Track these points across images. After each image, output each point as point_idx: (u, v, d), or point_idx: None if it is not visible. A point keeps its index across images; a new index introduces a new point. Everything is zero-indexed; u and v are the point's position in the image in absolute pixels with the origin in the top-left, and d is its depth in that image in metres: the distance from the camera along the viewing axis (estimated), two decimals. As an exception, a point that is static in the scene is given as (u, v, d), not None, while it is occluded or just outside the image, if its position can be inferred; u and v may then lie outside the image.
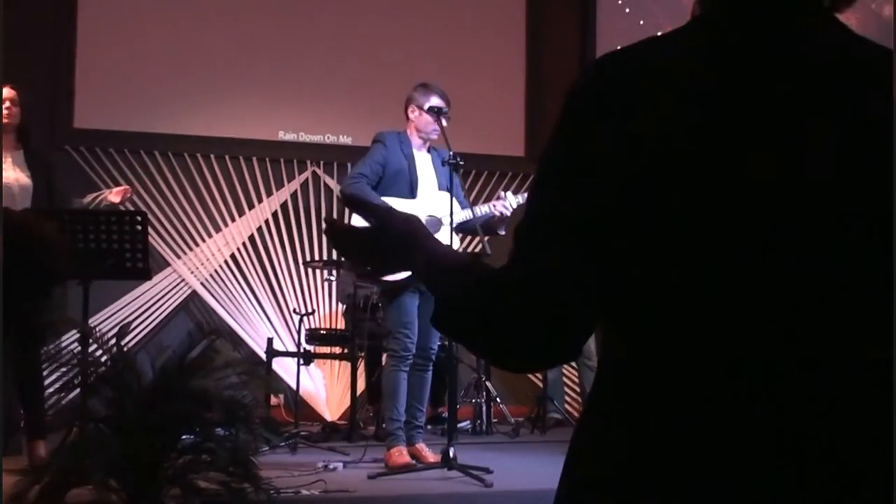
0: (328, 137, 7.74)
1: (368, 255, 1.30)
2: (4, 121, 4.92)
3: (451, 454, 4.58)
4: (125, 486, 3.32)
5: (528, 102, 8.20)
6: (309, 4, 7.79)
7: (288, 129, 7.66)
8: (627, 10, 8.49)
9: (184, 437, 3.49)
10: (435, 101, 5.13)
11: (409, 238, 1.22)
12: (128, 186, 5.65)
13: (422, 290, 5.03)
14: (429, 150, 5.21)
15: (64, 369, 3.95)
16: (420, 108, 5.12)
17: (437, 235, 4.96)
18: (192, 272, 7.33)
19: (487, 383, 6.80)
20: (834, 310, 0.97)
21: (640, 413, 1.01)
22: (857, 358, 0.98)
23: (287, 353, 6.63)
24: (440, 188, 5.11)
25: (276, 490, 3.73)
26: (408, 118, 5.20)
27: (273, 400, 6.79)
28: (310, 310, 7.20)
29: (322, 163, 7.72)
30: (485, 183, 7.93)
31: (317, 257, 7.43)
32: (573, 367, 7.54)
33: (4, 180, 4.81)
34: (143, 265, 4.73)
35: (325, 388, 7.44)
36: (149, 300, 7.17)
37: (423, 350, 5.08)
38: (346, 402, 6.91)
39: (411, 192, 5.06)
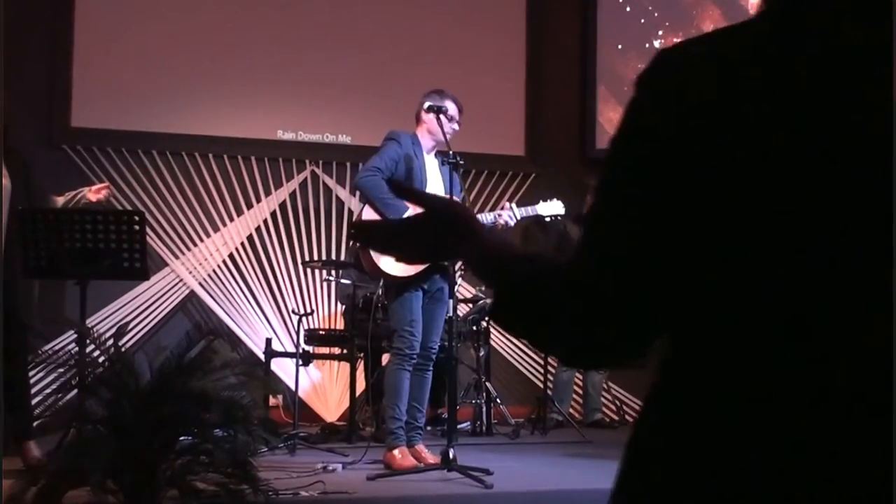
0: (327, 137, 7.72)
1: (413, 243, 1.24)
2: None
3: (451, 455, 4.56)
4: (123, 487, 3.31)
5: (528, 102, 8.19)
6: (308, 3, 7.77)
7: (287, 128, 7.64)
8: (628, 9, 8.47)
9: (182, 438, 3.48)
10: (450, 105, 5.15)
11: (460, 223, 1.18)
12: (108, 184, 5.61)
13: (425, 288, 5.02)
14: (436, 156, 5.21)
15: (61, 370, 3.94)
16: (436, 111, 5.12)
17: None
18: (190, 272, 7.31)
19: (487, 384, 6.78)
20: None
21: (721, 415, 0.97)
22: None
23: (286, 354, 6.61)
24: (446, 192, 5.08)
25: (274, 491, 3.73)
26: (420, 121, 5.18)
27: (272, 401, 6.79)
28: (309, 310, 7.18)
29: (321, 162, 7.70)
30: (485, 182, 7.91)
31: (315, 257, 7.42)
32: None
33: None
34: (141, 265, 4.71)
35: (324, 388, 7.42)
36: (146, 300, 7.15)
37: (423, 349, 5.07)
38: (345, 403, 6.89)
39: None
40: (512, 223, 5.27)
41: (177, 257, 7.31)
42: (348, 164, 7.55)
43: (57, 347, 5.66)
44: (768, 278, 0.95)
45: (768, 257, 0.95)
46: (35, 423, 4.90)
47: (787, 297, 0.94)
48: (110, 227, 4.63)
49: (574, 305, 1.03)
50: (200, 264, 7.35)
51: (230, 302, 7.35)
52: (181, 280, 7.29)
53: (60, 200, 5.21)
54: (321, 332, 6.69)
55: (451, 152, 4.94)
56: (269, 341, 6.52)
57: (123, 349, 3.83)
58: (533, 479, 4.91)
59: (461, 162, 4.98)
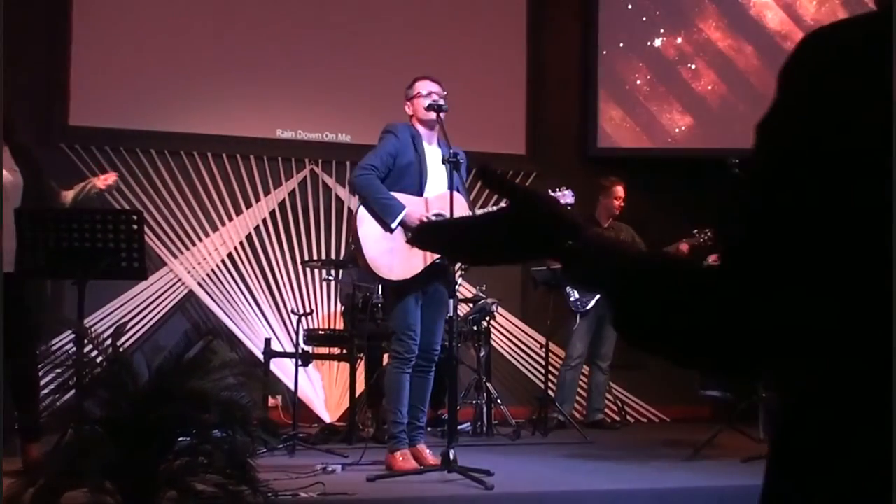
0: (327, 135, 7.70)
1: (488, 244, 1.10)
2: None
3: (452, 456, 4.54)
4: (121, 488, 3.29)
5: (529, 100, 8.18)
6: (308, 1, 7.74)
7: (286, 127, 7.62)
8: (630, 7, 8.46)
9: (180, 438, 3.46)
10: (425, 83, 5.09)
11: (562, 219, 1.05)
12: (115, 173, 5.59)
13: (423, 287, 4.96)
14: (439, 146, 5.11)
15: (59, 370, 3.92)
16: (413, 97, 5.07)
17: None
18: (188, 272, 7.29)
19: (488, 384, 6.76)
20: None
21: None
22: None
23: (285, 354, 6.60)
24: (449, 186, 5.01)
25: (273, 493, 3.71)
26: (410, 115, 5.13)
27: (271, 401, 6.78)
28: (308, 310, 7.16)
29: (320, 161, 7.67)
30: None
31: (315, 257, 7.40)
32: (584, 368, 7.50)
33: None
34: (139, 265, 4.68)
35: (324, 389, 7.40)
36: (145, 300, 7.12)
37: (425, 352, 5.01)
38: (345, 404, 6.87)
39: (419, 188, 4.96)
40: None
41: (175, 257, 7.29)
42: (348, 163, 7.52)
43: (55, 347, 5.63)
44: None
45: None
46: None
47: None
48: (108, 227, 4.60)
49: (719, 326, 0.93)
50: (199, 264, 7.33)
51: (229, 302, 7.32)
52: (180, 280, 7.27)
53: (70, 194, 5.21)
54: (320, 333, 6.68)
55: (451, 150, 4.86)
56: (268, 341, 6.50)
57: (122, 349, 3.81)
58: (534, 480, 4.90)
59: (461, 161, 4.91)
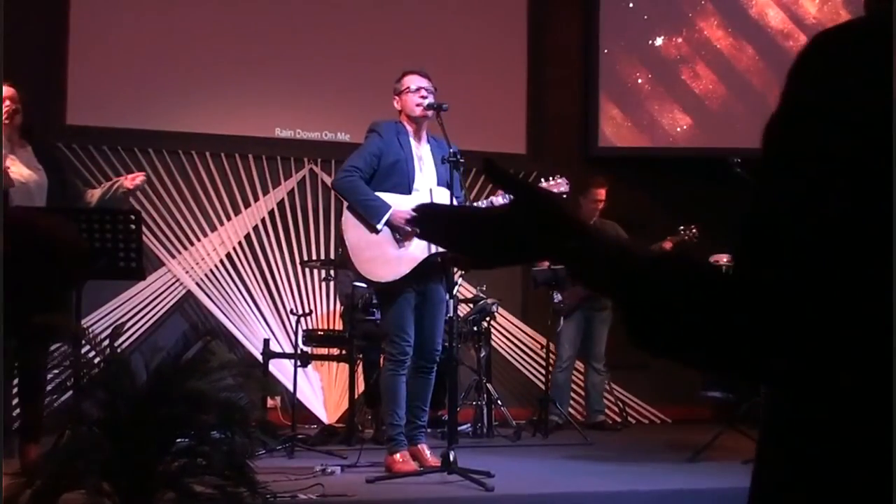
0: (326, 134, 7.68)
1: (488, 239, 1.05)
2: (5, 120, 4.85)
3: (452, 457, 4.52)
4: (118, 490, 3.27)
5: (530, 99, 8.17)
6: None
7: (285, 126, 7.60)
8: (631, 5, 8.44)
9: (178, 440, 3.44)
10: (413, 78, 5.04)
11: (564, 219, 1.00)
12: (143, 173, 5.54)
13: (417, 288, 4.91)
14: (428, 141, 5.05)
15: (56, 371, 3.91)
16: (401, 92, 5.03)
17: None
18: (186, 272, 7.26)
19: (488, 385, 6.74)
20: None
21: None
22: None
23: (284, 355, 6.58)
24: (439, 184, 4.97)
25: (272, 494, 3.70)
26: (398, 111, 5.09)
27: (270, 402, 6.76)
28: (307, 310, 7.14)
29: (319, 160, 7.65)
30: (486, 181, 7.85)
31: (314, 257, 7.37)
32: (580, 370, 7.48)
33: (20, 179, 4.79)
34: (137, 265, 4.66)
35: (323, 390, 7.38)
36: (143, 300, 7.10)
37: (427, 353, 4.96)
38: (344, 405, 6.85)
39: (408, 186, 4.91)
40: None
41: (173, 257, 7.26)
42: (347, 163, 7.51)
43: (52, 348, 5.61)
44: None
45: None
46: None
47: None
48: (106, 227, 4.58)
49: (744, 328, 0.90)
50: (197, 264, 7.30)
51: (227, 302, 7.30)
52: (178, 280, 7.24)
53: (97, 193, 5.19)
54: (320, 333, 6.66)
55: (451, 149, 4.80)
56: (266, 342, 6.47)
57: (119, 350, 3.79)
58: (534, 481, 4.88)
59: (462, 160, 4.87)
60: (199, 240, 7.34)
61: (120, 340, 4.96)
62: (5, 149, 4.78)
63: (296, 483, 4.27)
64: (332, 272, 6.71)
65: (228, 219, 7.41)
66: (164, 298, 7.20)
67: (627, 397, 7.95)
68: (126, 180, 5.24)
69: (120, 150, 7.20)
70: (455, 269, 5.15)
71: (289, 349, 6.59)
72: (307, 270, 7.40)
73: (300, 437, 5.78)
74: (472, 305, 6.89)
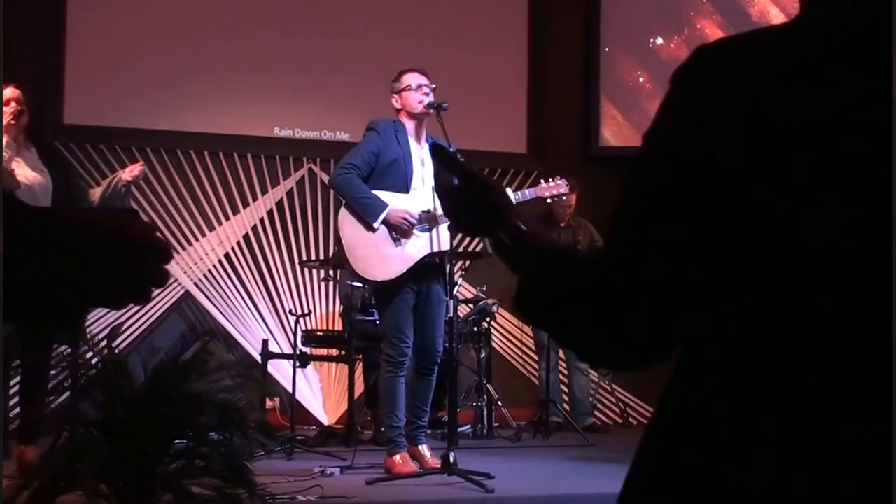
0: (325, 133, 7.65)
1: (455, 211, 1.30)
2: (11, 121, 4.85)
3: (452, 459, 4.50)
4: (116, 491, 3.26)
5: (530, 98, 8.15)
6: (305, -1, 7.72)
7: (283, 125, 7.58)
8: (632, 5, 8.44)
9: (177, 441, 3.43)
10: (414, 76, 5.01)
11: (493, 205, 1.23)
12: (141, 163, 5.51)
13: (416, 288, 4.88)
14: (427, 141, 5.02)
15: (54, 372, 3.90)
16: (402, 90, 4.99)
17: (432, 233, 4.88)
18: (185, 272, 7.24)
19: (488, 386, 6.72)
20: None
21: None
22: None
23: (283, 356, 6.57)
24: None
25: (271, 496, 3.72)
26: (397, 109, 5.06)
27: (268, 403, 6.75)
28: (306, 311, 7.12)
29: (319, 160, 7.63)
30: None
31: (313, 257, 7.36)
32: (564, 371, 7.43)
33: (25, 181, 4.77)
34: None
35: (322, 391, 7.36)
36: (141, 301, 7.06)
37: (428, 353, 4.92)
38: (344, 406, 6.84)
39: (405, 185, 4.88)
40: None
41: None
42: (346, 163, 7.49)
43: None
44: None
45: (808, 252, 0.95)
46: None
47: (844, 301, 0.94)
48: (103, 226, 4.55)
49: (602, 295, 1.04)
50: (195, 264, 7.28)
51: (226, 302, 7.28)
52: (176, 280, 7.21)
53: (98, 192, 5.20)
54: (319, 333, 6.64)
55: (451, 149, 4.79)
56: (265, 342, 6.46)
57: (117, 351, 3.77)
58: (535, 483, 4.87)
59: (462, 160, 4.83)
60: (197, 240, 7.32)
61: (118, 341, 4.95)
62: (11, 150, 4.78)
63: (295, 485, 4.26)
64: (332, 272, 6.69)
65: (227, 218, 7.39)
66: (162, 299, 7.18)
67: (629, 398, 7.93)
68: (124, 173, 5.23)
69: (117, 150, 7.18)
70: (455, 270, 5.12)
71: (288, 350, 6.57)
72: (306, 270, 7.38)
73: (299, 438, 5.77)
74: (472, 306, 6.87)
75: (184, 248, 7.27)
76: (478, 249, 6.97)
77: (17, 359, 4.32)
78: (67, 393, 3.71)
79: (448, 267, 4.84)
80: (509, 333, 7.86)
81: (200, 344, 3.56)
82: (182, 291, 7.25)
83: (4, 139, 4.74)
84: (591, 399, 7.46)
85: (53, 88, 7.09)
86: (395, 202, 4.79)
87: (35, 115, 5.15)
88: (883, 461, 0.90)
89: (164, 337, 6.55)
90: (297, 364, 6.06)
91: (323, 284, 7.36)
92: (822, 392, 0.93)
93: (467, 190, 1.26)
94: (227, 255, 7.36)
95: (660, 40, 8.44)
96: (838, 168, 0.94)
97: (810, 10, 1.05)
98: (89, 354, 3.65)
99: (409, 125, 4.98)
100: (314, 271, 7.33)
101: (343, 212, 4.89)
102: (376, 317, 5.84)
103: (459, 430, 6.15)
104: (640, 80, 8.43)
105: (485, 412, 6.68)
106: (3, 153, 4.62)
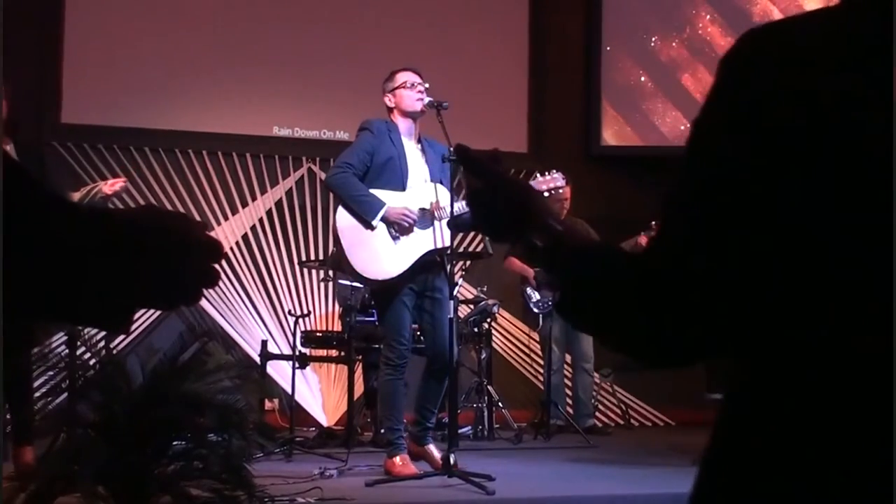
0: (324, 133, 7.65)
1: (481, 215, 1.21)
2: None
3: (452, 460, 4.46)
4: (114, 493, 3.25)
5: (531, 98, 8.15)
6: (305, -2, 7.71)
7: (283, 125, 7.57)
8: (632, 5, 8.43)
9: (175, 443, 3.42)
10: (408, 74, 4.98)
11: (522, 207, 1.15)
12: (123, 178, 5.52)
13: (416, 289, 4.84)
14: (419, 141, 4.99)
15: (51, 373, 3.88)
16: (396, 88, 4.96)
17: (430, 230, 4.85)
18: (184, 272, 7.21)
19: (489, 387, 6.70)
20: None
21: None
22: None
23: (282, 357, 6.55)
24: (431, 179, 4.90)
25: (270, 498, 3.71)
26: (390, 108, 5.02)
27: (267, 404, 6.74)
28: (305, 311, 7.10)
29: (318, 159, 7.62)
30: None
31: (312, 257, 7.34)
32: (568, 371, 7.43)
33: None
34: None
35: (321, 392, 7.35)
36: (140, 301, 7.05)
37: (439, 356, 4.81)
38: (343, 407, 6.82)
39: (402, 183, 4.85)
40: None
41: (170, 257, 7.22)
42: (346, 163, 7.47)
43: (46, 350, 5.58)
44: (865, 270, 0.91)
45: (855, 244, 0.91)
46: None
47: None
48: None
49: (651, 291, 1.01)
50: (195, 264, 7.25)
51: (225, 303, 7.26)
52: (175, 280, 7.20)
53: (76, 197, 5.15)
54: (318, 334, 6.62)
55: (451, 149, 4.76)
56: (264, 343, 6.44)
57: (115, 352, 3.76)
58: (536, 485, 4.85)
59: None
60: (196, 240, 7.29)
61: (115, 342, 4.94)
62: None
63: (294, 486, 4.22)
64: (331, 273, 6.67)
65: (226, 218, 7.38)
66: (161, 299, 7.16)
67: (630, 400, 7.91)
68: (105, 186, 5.23)
69: (115, 149, 7.17)
70: (456, 270, 5.09)
71: (287, 350, 6.56)
72: (305, 271, 7.37)
73: (298, 439, 5.76)
74: (472, 307, 6.85)
75: (183, 249, 7.25)
76: (478, 249, 6.95)
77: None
78: (65, 394, 3.70)
79: (448, 266, 4.81)
80: (510, 334, 7.84)
81: (199, 345, 3.55)
82: (181, 292, 7.23)
83: None
84: (592, 400, 7.45)
85: (51, 88, 7.10)
86: (392, 200, 4.77)
87: (29, 114, 5.15)
88: None
89: (162, 338, 6.55)
90: (297, 365, 6.04)
91: (322, 285, 7.35)
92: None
93: (493, 193, 1.19)
94: (225, 255, 7.34)
95: (660, 41, 8.43)
96: (882, 151, 0.91)
97: None
98: (87, 355, 3.64)
99: (403, 124, 4.96)
100: (313, 272, 7.31)
101: (340, 212, 4.86)
102: (376, 317, 5.82)
103: (460, 431, 6.14)
104: (641, 79, 8.42)
105: (485, 413, 6.66)
106: None
